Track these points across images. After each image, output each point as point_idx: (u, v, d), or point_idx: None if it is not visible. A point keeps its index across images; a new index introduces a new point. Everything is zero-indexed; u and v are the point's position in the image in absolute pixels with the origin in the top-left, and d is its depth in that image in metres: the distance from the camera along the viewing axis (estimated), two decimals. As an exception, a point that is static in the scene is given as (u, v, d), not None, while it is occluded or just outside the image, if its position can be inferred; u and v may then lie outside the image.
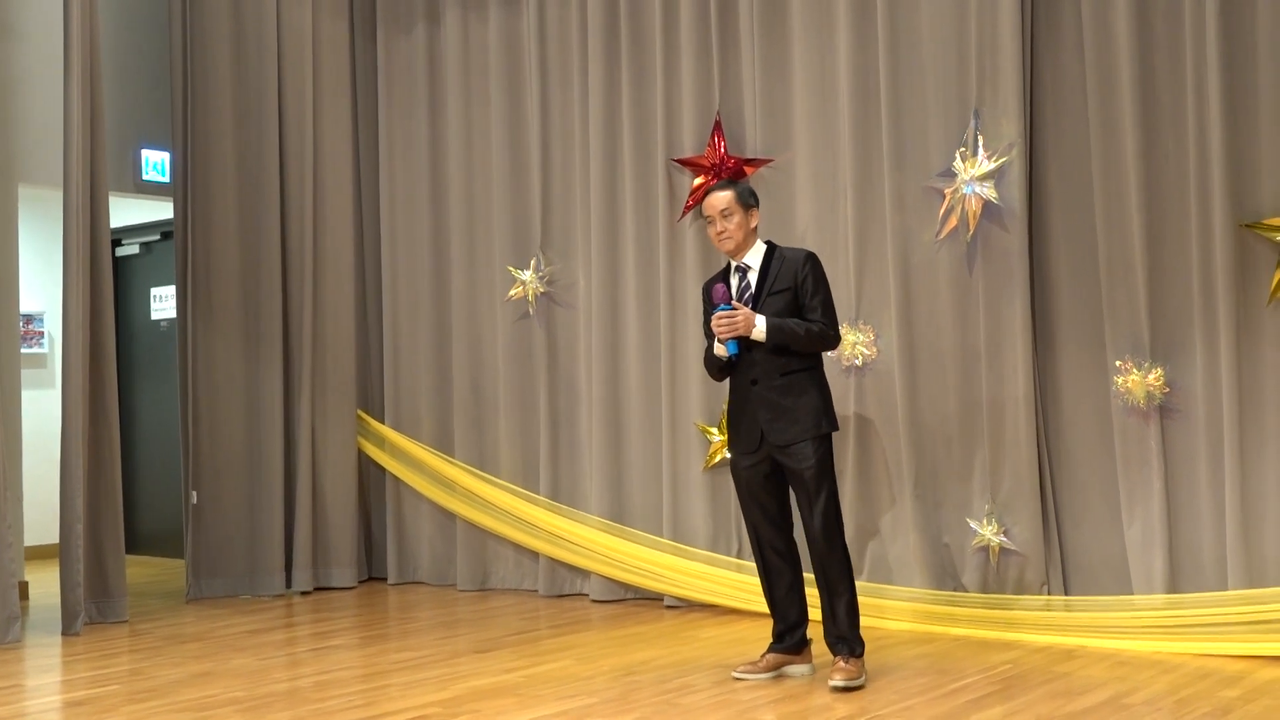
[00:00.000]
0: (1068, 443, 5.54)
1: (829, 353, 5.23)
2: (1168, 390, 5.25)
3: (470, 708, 4.44)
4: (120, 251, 9.12)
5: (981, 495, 5.64)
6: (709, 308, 4.85)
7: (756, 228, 4.89)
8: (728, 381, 4.95)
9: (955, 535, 5.73)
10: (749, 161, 6.26)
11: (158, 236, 9.00)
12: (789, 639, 4.87)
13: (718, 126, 6.35)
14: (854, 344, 5.90)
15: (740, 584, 6.19)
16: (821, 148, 6.09)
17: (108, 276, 6.31)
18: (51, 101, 6.61)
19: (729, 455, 5.05)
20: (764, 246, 4.88)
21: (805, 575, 4.93)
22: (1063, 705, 4.31)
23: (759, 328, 4.67)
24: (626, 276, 6.69)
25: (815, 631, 4.92)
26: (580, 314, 6.89)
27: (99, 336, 6.25)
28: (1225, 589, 5.08)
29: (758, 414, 4.75)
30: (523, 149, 7.12)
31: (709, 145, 6.36)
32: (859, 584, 4.89)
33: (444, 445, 7.37)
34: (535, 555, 6.99)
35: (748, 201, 4.86)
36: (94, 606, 6.23)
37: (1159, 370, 5.26)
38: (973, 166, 5.60)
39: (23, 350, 8.00)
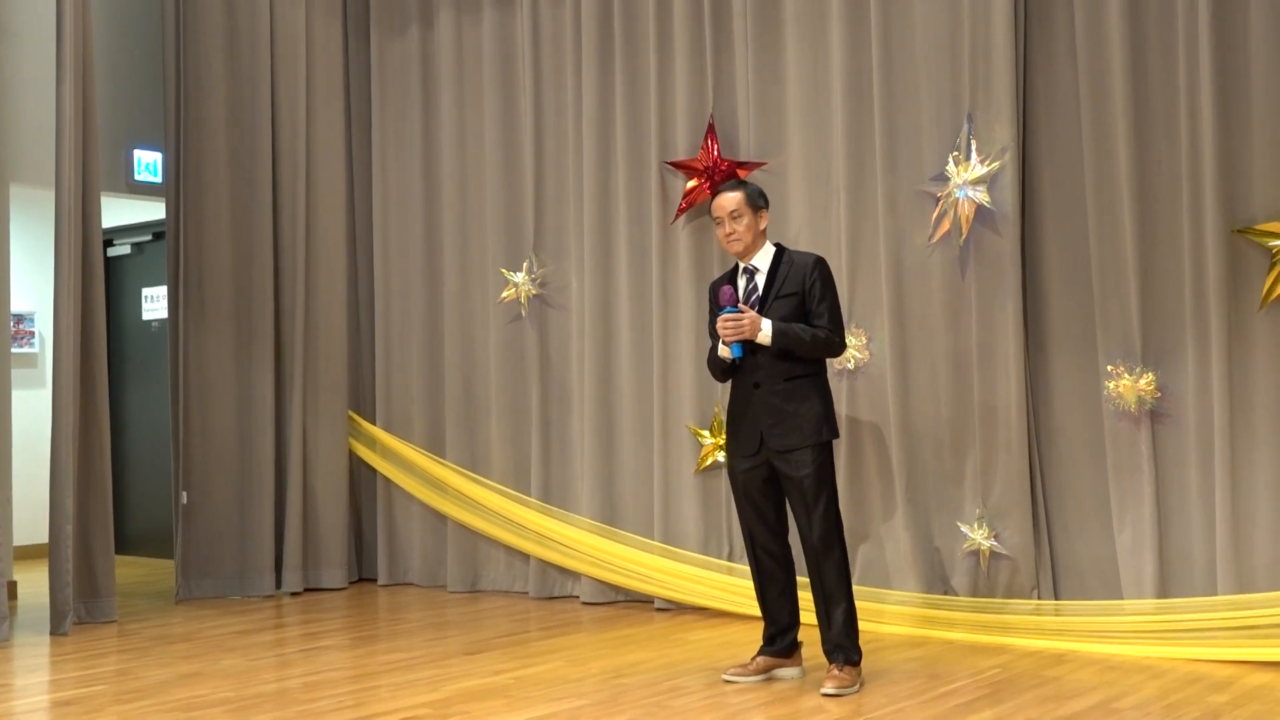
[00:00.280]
0: (1059, 447, 5.54)
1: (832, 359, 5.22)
2: (1159, 395, 5.26)
3: (460, 709, 4.43)
4: (112, 252, 9.11)
5: (972, 499, 5.64)
6: (715, 308, 4.82)
7: (765, 230, 4.86)
8: (725, 382, 4.93)
9: (946, 539, 5.73)
10: (742, 164, 6.26)
11: (149, 237, 8.98)
12: (780, 642, 4.87)
13: (711, 129, 6.35)
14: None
15: (731, 587, 6.19)
16: (815, 151, 6.10)
17: (99, 276, 6.30)
18: (44, 101, 6.59)
19: (726, 457, 5.01)
20: (773, 249, 4.85)
21: (799, 579, 4.93)
22: (1052, 710, 4.31)
23: (765, 331, 4.64)
24: (619, 279, 6.69)
25: (806, 635, 4.92)
26: (573, 316, 6.88)
27: (90, 336, 6.23)
28: (1215, 594, 5.08)
29: (759, 418, 4.72)
30: (516, 151, 7.11)
31: (702, 148, 6.36)
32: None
33: (435, 447, 7.36)
34: (526, 557, 6.98)
35: (757, 203, 4.83)
36: (83, 606, 6.21)
37: (1150, 375, 5.27)
38: (965, 170, 5.61)
39: (13, 350, 7.99)
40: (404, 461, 7.42)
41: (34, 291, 9.14)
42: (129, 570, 8.25)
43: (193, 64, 7.10)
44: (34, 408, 8.34)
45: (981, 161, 5.58)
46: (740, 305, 4.71)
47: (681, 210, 6.43)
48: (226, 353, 7.15)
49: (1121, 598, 5.31)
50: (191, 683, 4.93)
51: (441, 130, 7.40)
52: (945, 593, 5.71)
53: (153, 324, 9.05)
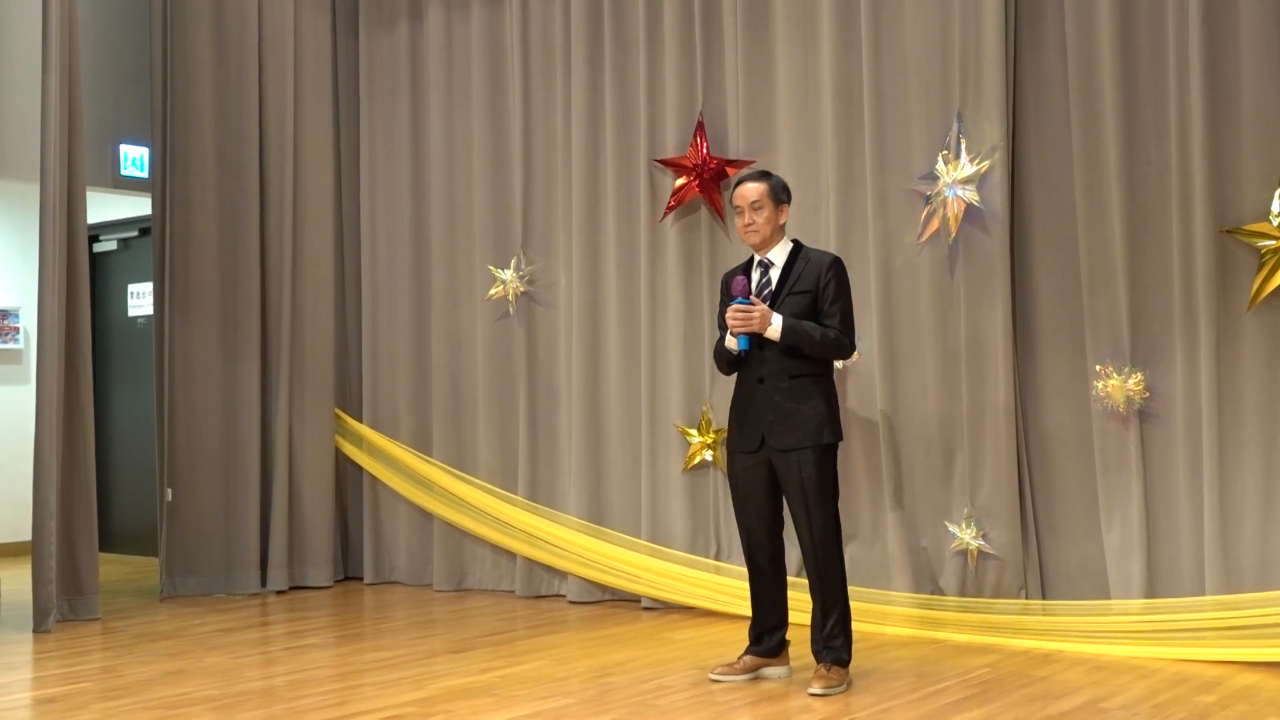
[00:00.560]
0: (1047, 447, 5.54)
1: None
2: (1147, 395, 5.26)
3: (445, 708, 4.41)
4: (98, 248, 9.07)
5: (960, 499, 5.63)
6: (726, 298, 4.78)
7: (785, 224, 4.83)
8: (729, 375, 4.89)
9: (934, 539, 5.72)
10: (731, 162, 6.25)
11: (136, 233, 8.94)
12: (767, 641, 4.84)
13: (700, 127, 6.33)
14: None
15: (718, 586, 6.18)
16: (804, 150, 6.08)
17: (84, 272, 6.26)
18: (29, 95, 6.55)
19: (727, 452, 4.95)
20: (790, 244, 4.81)
21: (791, 579, 4.92)
22: (1040, 709, 4.30)
23: (775, 326, 4.59)
24: (607, 277, 6.67)
25: (795, 634, 4.90)
26: (560, 314, 6.86)
27: (75, 333, 6.19)
28: (1203, 594, 5.08)
29: (761, 415, 4.68)
30: (504, 148, 7.09)
31: (691, 146, 6.35)
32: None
33: (422, 445, 7.33)
34: (513, 556, 6.96)
35: (780, 197, 4.79)
36: (66, 604, 6.17)
37: (1139, 375, 5.26)
38: (955, 170, 5.60)
39: (-3, 345, 7.95)
40: (390, 459, 7.40)
41: (19, 287, 9.09)
42: (113, 568, 8.21)
43: (180, 58, 7.06)
44: (18, 404, 8.31)
45: (971, 161, 5.57)
46: (752, 298, 4.66)
47: (670, 208, 6.42)
48: (212, 349, 7.11)
49: (1109, 597, 5.31)
50: (175, 680, 4.90)
51: (430, 126, 7.37)
52: (933, 592, 5.71)
53: (139, 320, 9.01)
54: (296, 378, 7.32)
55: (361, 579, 7.51)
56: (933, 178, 5.67)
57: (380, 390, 7.53)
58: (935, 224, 5.67)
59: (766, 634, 4.84)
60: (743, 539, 4.86)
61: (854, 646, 4.78)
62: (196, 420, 7.06)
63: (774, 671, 4.84)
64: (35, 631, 5.92)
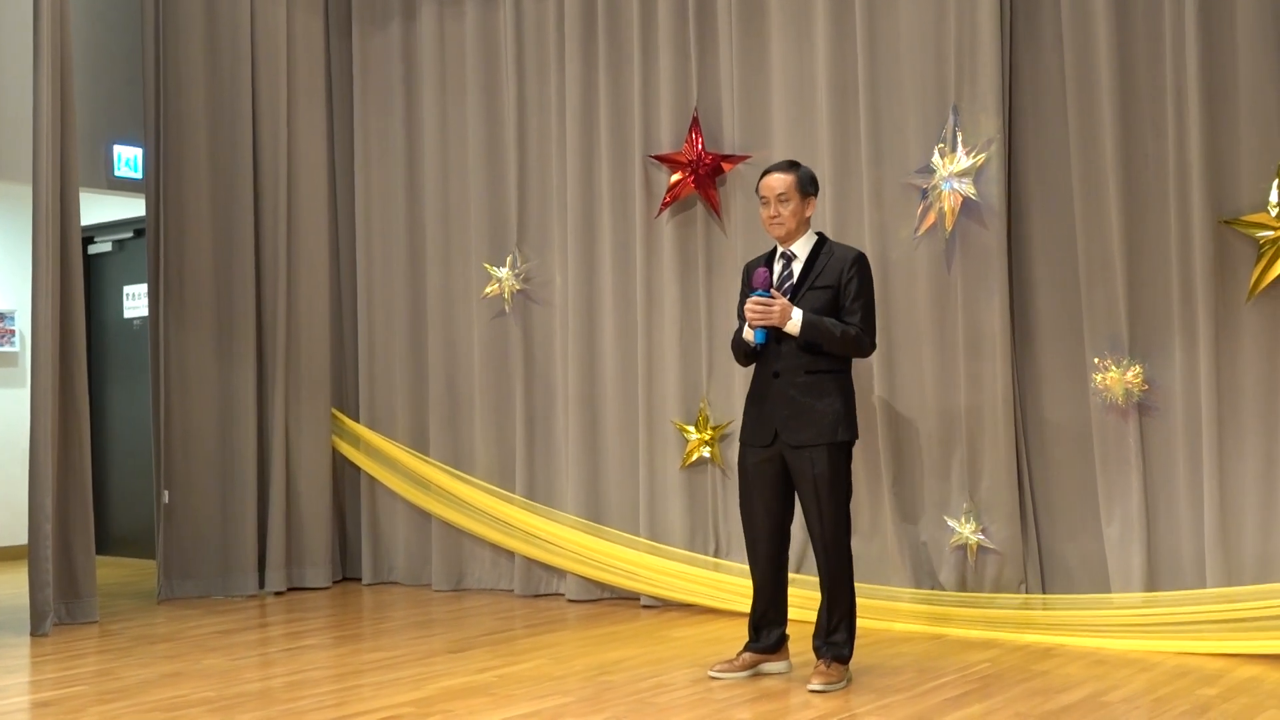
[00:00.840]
0: (1046, 440, 5.52)
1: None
2: (1146, 388, 5.24)
3: (443, 708, 4.39)
4: (92, 249, 9.05)
5: (959, 493, 5.62)
6: (747, 288, 4.72)
7: (810, 217, 4.78)
8: (745, 366, 4.86)
9: (933, 533, 5.70)
10: (727, 158, 6.23)
11: (130, 234, 8.92)
12: (766, 638, 4.82)
13: (695, 123, 6.31)
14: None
15: (717, 583, 6.16)
16: (799, 144, 6.06)
17: (78, 274, 6.23)
18: (21, 95, 6.53)
19: (740, 445, 4.85)
20: (814, 237, 4.76)
21: (791, 575, 4.90)
22: (1041, 704, 4.28)
23: (794, 320, 4.54)
24: (603, 274, 6.65)
25: (796, 630, 4.89)
26: (556, 311, 6.84)
27: (69, 335, 6.17)
28: (1203, 587, 5.07)
29: (776, 410, 4.62)
30: (499, 145, 7.07)
31: (686, 141, 6.33)
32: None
33: (419, 444, 7.31)
34: (511, 555, 6.94)
35: (807, 189, 4.72)
36: (63, 607, 6.15)
37: (1138, 367, 5.25)
38: (951, 163, 5.58)
39: (-8, 348, 7.93)
40: (388, 459, 7.38)
41: (14, 289, 9.06)
42: (110, 570, 8.18)
43: (173, 58, 7.04)
44: (14, 407, 8.29)
45: (967, 154, 5.55)
46: (773, 290, 4.61)
47: (666, 204, 6.39)
48: (208, 350, 7.09)
49: (1110, 591, 5.29)
50: (173, 683, 4.88)
51: (424, 125, 7.35)
52: (933, 587, 5.69)
53: (134, 322, 8.99)
54: (293, 378, 7.30)
55: (360, 579, 7.49)
56: (929, 171, 5.66)
57: (377, 390, 7.51)
58: (932, 217, 5.65)
59: (766, 630, 4.81)
60: (746, 533, 4.81)
61: (854, 643, 4.76)
62: (193, 422, 7.04)
63: (774, 667, 4.82)
64: (32, 635, 5.89)
